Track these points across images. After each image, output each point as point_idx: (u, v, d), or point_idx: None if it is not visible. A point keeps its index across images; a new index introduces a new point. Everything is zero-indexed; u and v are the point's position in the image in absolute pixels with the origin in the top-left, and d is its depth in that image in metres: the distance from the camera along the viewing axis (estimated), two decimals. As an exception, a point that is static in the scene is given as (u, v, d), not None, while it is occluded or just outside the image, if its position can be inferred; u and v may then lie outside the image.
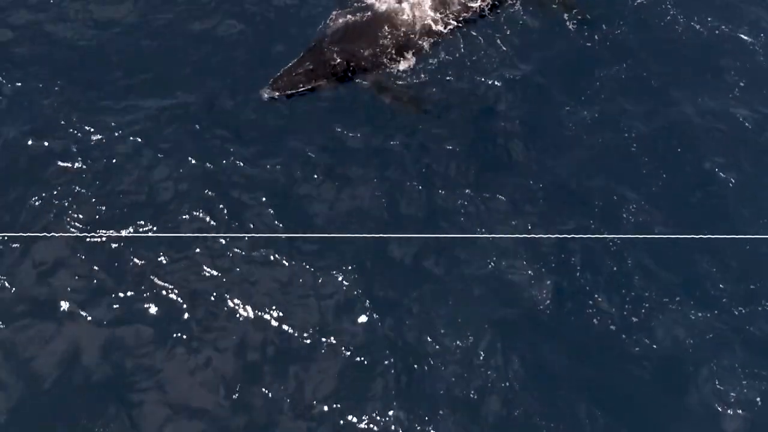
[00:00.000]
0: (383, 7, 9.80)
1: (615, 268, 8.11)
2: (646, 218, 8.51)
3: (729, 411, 7.36)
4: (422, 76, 9.46)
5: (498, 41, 9.87)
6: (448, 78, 9.50)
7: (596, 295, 7.91)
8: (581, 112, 9.36)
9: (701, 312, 7.88)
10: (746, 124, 9.53)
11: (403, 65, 9.52)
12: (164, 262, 7.86)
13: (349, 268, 7.87)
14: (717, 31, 10.36)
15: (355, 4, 9.96)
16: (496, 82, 9.50)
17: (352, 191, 8.48)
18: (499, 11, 10.15)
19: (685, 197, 8.83)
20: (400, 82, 9.42)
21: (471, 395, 7.24)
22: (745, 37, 10.36)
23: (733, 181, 8.96)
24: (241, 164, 8.60)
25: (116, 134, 8.71)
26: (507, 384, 7.29)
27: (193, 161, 8.57)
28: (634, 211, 8.55)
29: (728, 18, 10.51)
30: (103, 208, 8.16)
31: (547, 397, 7.31)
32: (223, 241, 8.02)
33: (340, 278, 7.81)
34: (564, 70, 9.79)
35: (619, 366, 7.57)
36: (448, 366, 7.38)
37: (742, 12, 10.65)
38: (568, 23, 10.22)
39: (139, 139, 8.70)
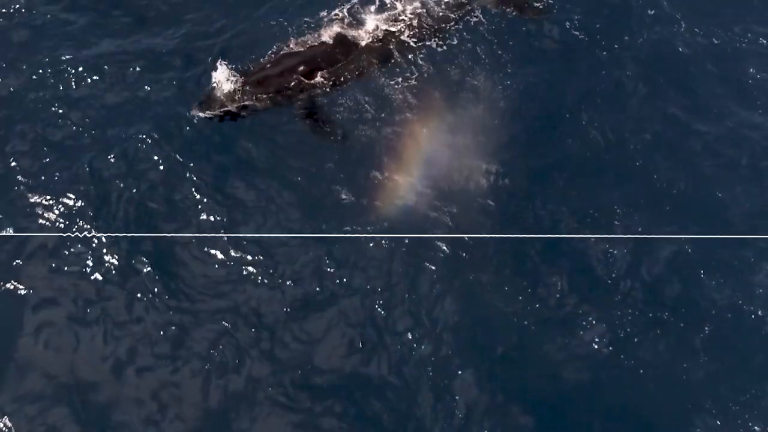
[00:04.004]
0: (324, 37, 10.00)
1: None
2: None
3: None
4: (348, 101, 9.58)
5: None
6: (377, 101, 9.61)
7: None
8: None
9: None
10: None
11: (333, 90, 9.66)
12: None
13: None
14: (710, 37, 10.50)
15: (300, 37, 10.05)
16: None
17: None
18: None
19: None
20: (329, 108, 9.53)
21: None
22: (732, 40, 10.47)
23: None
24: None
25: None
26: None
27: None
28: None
29: (718, 23, 10.65)
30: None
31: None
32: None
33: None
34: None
35: None
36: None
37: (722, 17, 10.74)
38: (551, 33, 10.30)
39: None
